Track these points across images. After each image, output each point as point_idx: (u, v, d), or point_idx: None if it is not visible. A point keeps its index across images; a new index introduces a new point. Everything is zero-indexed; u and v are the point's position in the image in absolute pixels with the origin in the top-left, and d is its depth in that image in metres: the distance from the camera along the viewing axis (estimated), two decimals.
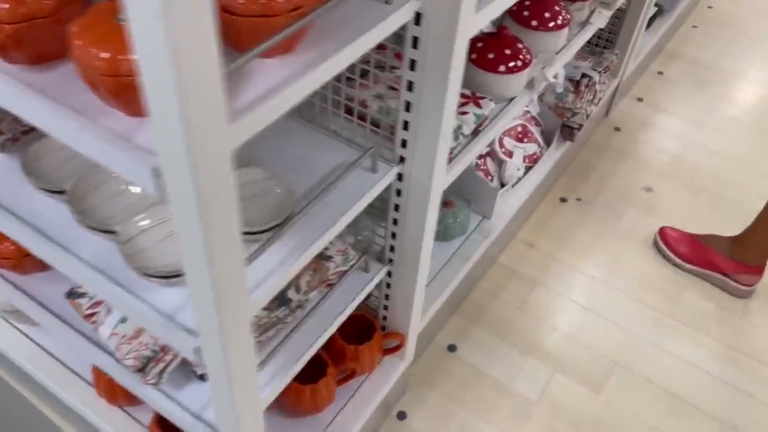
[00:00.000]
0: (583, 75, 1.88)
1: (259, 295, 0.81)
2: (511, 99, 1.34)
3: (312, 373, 1.22)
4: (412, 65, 0.91)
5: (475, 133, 1.24)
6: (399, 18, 0.79)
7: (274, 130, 1.07)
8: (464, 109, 1.22)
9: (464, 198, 1.66)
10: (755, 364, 1.63)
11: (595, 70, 1.91)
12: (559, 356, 1.62)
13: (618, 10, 2.06)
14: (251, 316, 0.78)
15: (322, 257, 1.07)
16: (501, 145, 1.65)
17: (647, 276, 1.82)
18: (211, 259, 0.62)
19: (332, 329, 1.10)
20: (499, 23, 1.47)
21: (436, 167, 1.01)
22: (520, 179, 1.71)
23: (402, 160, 1.02)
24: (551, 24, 1.40)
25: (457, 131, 1.18)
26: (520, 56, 1.30)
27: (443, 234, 1.59)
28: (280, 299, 1.02)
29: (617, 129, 2.31)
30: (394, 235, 1.15)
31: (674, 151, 2.24)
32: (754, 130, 2.35)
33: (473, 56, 1.30)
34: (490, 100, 1.25)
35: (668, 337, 1.68)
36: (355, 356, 1.27)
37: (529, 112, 1.80)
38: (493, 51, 1.29)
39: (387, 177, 1.00)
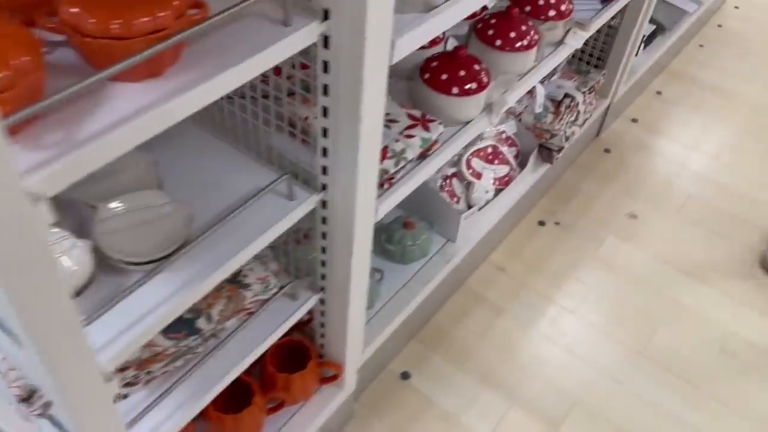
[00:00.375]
0: (566, 95, 1.80)
1: (122, 344, 0.74)
2: (467, 122, 1.27)
3: (241, 401, 1.17)
4: (325, 90, 0.84)
5: (423, 157, 1.17)
6: (296, 42, 0.73)
7: (199, 149, 1.02)
8: (411, 132, 1.16)
9: (427, 220, 1.60)
10: (726, 412, 1.54)
11: (579, 90, 1.83)
12: (517, 390, 1.55)
13: (609, 27, 1.98)
14: (107, 370, 0.72)
15: (240, 285, 1.01)
16: (468, 166, 1.58)
17: (621, 309, 1.74)
18: (29, 324, 0.56)
19: (250, 359, 1.05)
20: (465, 41, 1.40)
21: (359, 196, 0.94)
22: (489, 202, 1.63)
23: (324, 187, 0.96)
24: (517, 44, 1.33)
25: (400, 155, 1.12)
26: (477, 78, 1.23)
27: (401, 256, 1.53)
28: (190, 328, 0.97)
29: (607, 150, 2.22)
30: (324, 263, 1.09)
31: (665, 176, 2.14)
32: (755, 159, 2.24)
33: (426, 76, 1.23)
34: (440, 123, 1.19)
35: (637, 378, 1.59)
36: (286, 385, 1.21)
37: (504, 132, 1.73)
38: (447, 71, 1.22)
39: (305, 205, 0.94)
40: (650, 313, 1.73)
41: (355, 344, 1.25)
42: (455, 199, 1.60)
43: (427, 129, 1.17)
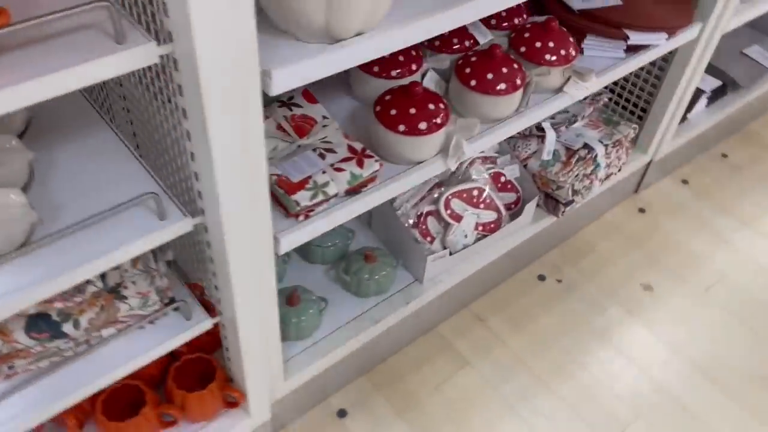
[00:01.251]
0: (585, 146, 1.65)
1: None
2: (419, 162, 1.18)
3: (136, 411, 1.15)
4: (185, 113, 0.80)
5: (353, 193, 1.10)
6: (125, 61, 0.69)
7: (100, 152, 1.00)
8: (343, 165, 1.09)
9: (393, 255, 1.51)
10: None
11: (601, 142, 1.67)
12: None
13: (654, 77, 1.79)
14: None
15: (118, 296, 0.99)
16: (447, 206, 1.48)
17: (598, 391, 1.57)
18: None
19: (124, 370, 1.02)
20: (447, 76, 1.31)
21: (236, 225, 0.89)
22: (466, 246, 1.52)
23: (202, 212, 0.92)
24: (496, 87, 1.22)
25: (320, 188, 1.05)
26: (430, 118, 1.14)
27: (356, 289, 1.46)
28: (55, 331, 0.96)
29: (641, 210, 2.02)
30: (217, 288, 1.05)
31: (700, 249, 1.92)
32: None
33: (377, 109, 1.16)
34: (377, 161, 1.11)
35: None
36: (182, 402, 1.18)
37: (504, 175, 1.60)
38: (397, 107, 1.14)
39: (175, 227, 0.90)
40: (632, 401, 1.55)
41: (260, 374, 1.19)
42: (429, 239, 1.50)
43: (360, 165, 1.09)
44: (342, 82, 1.32)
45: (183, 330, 1.07)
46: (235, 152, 0.82)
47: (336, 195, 1.08)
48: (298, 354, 1.36)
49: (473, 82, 1.22)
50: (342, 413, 1.48)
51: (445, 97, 1.30)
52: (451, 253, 1.50)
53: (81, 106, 1.08)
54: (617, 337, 1.67)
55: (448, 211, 1.49)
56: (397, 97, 1.15)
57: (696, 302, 1.77)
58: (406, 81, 1.25)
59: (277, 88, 0.82)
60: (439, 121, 1.15)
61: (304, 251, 1.53)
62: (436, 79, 1.31)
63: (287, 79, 0.83)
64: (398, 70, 1.24)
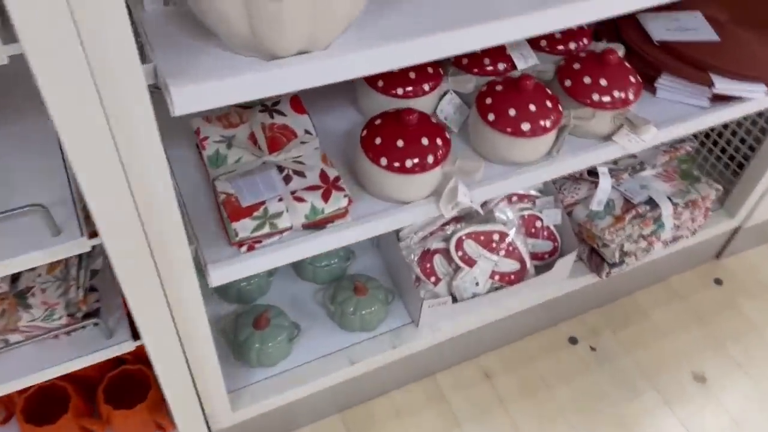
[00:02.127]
0: (648, 200, 1.37)
1: None
2: (406, 203, 0.99)
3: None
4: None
5: (313, 228, 0.93)
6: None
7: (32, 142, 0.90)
8: (305, 194, 0.92)
9: (390, 289, 1.33)
10: None
11: (671, 199, 1.39)
12: None
13: (759, 130, 1.47)
14: None
15: (23, 303, 0.89)
16: (459, 247, 1.27)
17: None
18: None
19: (25, 382, 0.92)
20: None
21: (113, 253, 0.76)
22: (476, 296, 1.31)
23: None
24: (519, 126, 1.00)
25: (269, 219, 0.89)
26: (420, 154, 0.94)
27: (339, 320, 1.30)
28: None
29: (718, 282, 1.70)
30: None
31: None
32: None
33: (363, 133, 0.97)
34: (345, 195, 0.93)
35: None
36: (107, 418, 1.08)
37: (540, 220, 1.37)
38: (384, 135, 0.95)
39: (66, 246, 0.77)
40: None
41: (188, 404, 1.07)
42: (433, 279, 1.30)
43: (326, 198, 0.92)
44: (353, 88, 1.14)
45: (99, 348, 0.95)
46: (109, 164, 0.67)
47: (289, 229, 0.91)
48: (257, 383, 1.23)
49: (491, 117, 1.01)
50: None
51: (463, 129, 1.10)
52: (455, 300, 1.30)
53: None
54: (640, 430, 1.41)
55: (460, 253, 1.28)
56: (388, 123, 0.96)
57: (756, 407, 1.46)
58: (417, 102, 1.05)
59: (179, 109, 0.67)
60: (430, 160, 0.95)
61: (296, 265, 1.38)
62: (457, 104, 1.10)
63: (193, 99, 0.67)
64: (407, 89, 1.04)
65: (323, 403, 1.35)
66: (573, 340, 1.55)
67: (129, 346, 0.97)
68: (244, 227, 0.88)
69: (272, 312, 1.24)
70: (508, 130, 1.00)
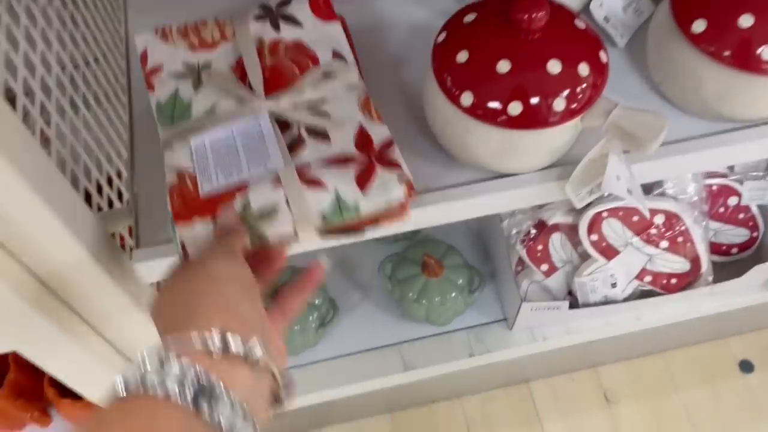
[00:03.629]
0: None
1: None
2: (508, 175, 0.54)
3: None
4: None
5: (336, 234, 0.51)
6: None
7: None
8: (322, 174, 0.48)
9: (478, 273, 0.90)
10: None
11: None
12: None
13: None
14: None
15: None
16: (594, 227, 0.80)
17: None
18: None
19: None
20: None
21: None
22: (608, 302, 0.85)
23: None
24: (757, 55, 0.49)
25: (247, 219, 0.48)
26: (555, 95, 0.47)
27: (399, 303, 0.89)
28: None
29: None
30: None
31: None
32: None
33: (439, 39, 0.51)
34: (403, 179, 0.48)
35: None
36: (54, 404, 0.79)
37: (738, 194, 0.85)
38: (473, 49, 0.48)
39: None
40: None
41: None
42: (544, 267, 0.85)
43: (364, 182, 0.48)
44: None
45: None
46: None
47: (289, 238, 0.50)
48: None
49: (699, 27, 0.50)
50: None
51: (636, 42, 0.60)
52: (575, 305, 0.85)
53: None
54: None
55: (594, 237, 0.81)
56: (487, 23, 0.49)
57: None
58: None
59: None
60: (560, 106, 0.48)
61: None
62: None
63: None
64: None
65: (366, 402, 0.99)
66: (746, 367, 1.06)
67: None
68: (196, 237, 0.48)
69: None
70: (735, 57, 0.49)
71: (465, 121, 0.50)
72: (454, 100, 0.49)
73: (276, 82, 0.54)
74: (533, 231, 0.84)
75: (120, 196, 0.56)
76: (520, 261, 0.87)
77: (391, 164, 0.49)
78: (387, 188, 0.48)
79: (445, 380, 0.96)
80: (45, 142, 0.43)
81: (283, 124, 0.52)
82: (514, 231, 0.84)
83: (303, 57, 0.55)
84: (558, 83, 0.48)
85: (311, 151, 0.50)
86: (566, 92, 0.48)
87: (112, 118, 0.56)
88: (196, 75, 0.55)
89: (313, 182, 0.48)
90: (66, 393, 0.77)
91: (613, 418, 1.01)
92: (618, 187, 0.50)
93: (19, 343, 0.48)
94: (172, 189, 0.49)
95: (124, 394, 0.31)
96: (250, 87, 0.53)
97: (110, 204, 0.54)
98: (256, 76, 0.54)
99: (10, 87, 0.41)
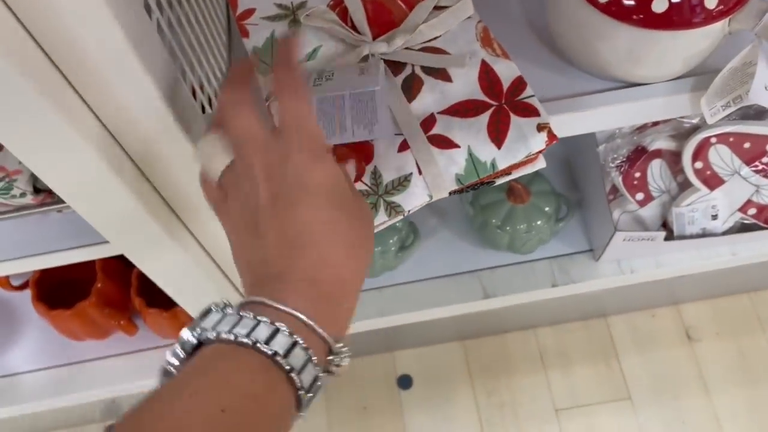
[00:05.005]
0: None
1: None
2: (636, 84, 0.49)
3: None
4: None
5: (465, 191, 0.47)
6: None
7: None
8: (451, 130, 0.44)
9: (566, 201, 0.86)
10: None
11: None
12: None
13: None
14: None
15: None
16: (700, 154, 0.75)
17: None
18: None
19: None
20: None
21: None
22: (706, 235, 0.81)
23: None
24: None
25: (377, 193, 0.45)
26: None
27: (480, 231, 0.87)
28: None
29: None
30: None
31: None
32: None
33: None
34: (543, 126, 0.44)
35: None
36: (140, 313, 0.80)
37: None
38: None
39: None
40: None
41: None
42: (639, 196, 0.81)
43: (500, 135, 0.44)
44: None
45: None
46: None
47: (405, 213, 0.46)
48: None
49: None
50: (405, 382, 1.01)
51: None
52: (670, 237, 0.81)
53: None
54: None
55: (699, 164, 0.76)
56: None
57: None
58: None
59: None
60: (711, 2, 0.42)
61: None
62: None
63: None
64: None
65: (438, 328, 0.99)
66: None
67: None
68: None
69: None
70: None
71: (597, 21, 0.45)
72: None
73: (381, 18, 0.48)
74: (631, 157, 0.79)
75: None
76: (613, 189, 0.82)
77: (526, 109, 0.45)
78: (525, 139, 0.44)
79: (521, 310, 0.94)
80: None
81: (395, 65, 0.47)
82: (610, 156, 0.79)
83: None
84: None
85: (432, 94, 0.46)
86: None
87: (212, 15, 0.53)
88: (292, 15, 0.50)
89: (442, 141, 0.44)
90: (152, 303, 0.79)
91: (695, 357, 0.98)
92: (766, 98, 0.45)
93: (130, 246, 0.47)
94: None
95: (213, 337, 0.31)
96: (353, 26, 0.49)
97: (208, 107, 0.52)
98: (358, 13, 0.48)
99: None
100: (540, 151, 0.44)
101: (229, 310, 0.31)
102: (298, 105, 0.34)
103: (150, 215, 0.45)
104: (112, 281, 0.80)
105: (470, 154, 0.44)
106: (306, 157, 0.33)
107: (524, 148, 0.44)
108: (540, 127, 0.44)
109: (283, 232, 0.33)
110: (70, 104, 0.37)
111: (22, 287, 0.83)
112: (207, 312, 0.32)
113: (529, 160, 0.45)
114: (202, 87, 0.49)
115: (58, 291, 0.81)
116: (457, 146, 0.44)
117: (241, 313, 0.31)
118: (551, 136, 0.44)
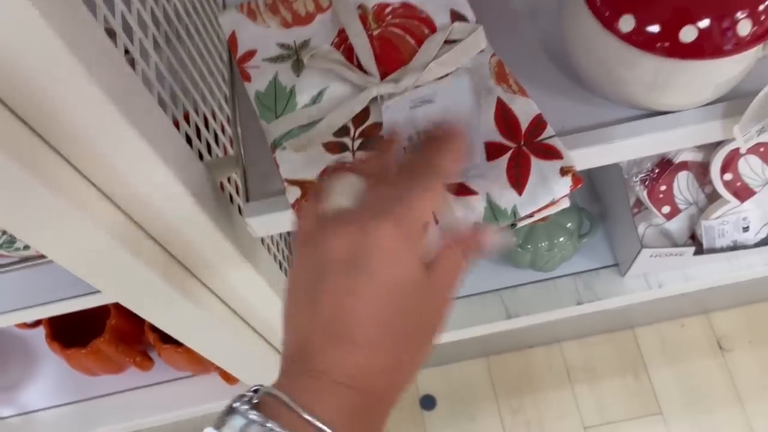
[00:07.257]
0: None
1: None
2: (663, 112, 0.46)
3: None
4: None
5: None
6: None
7: None
8: (470, 178, 0.42)
9: (589, 216, 0.83)
10: None
11: None
12: None
13: None
14: None
15: None
16: (730, 165, 0.71)
17: None
18: None
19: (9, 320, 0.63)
20: None
21: None
22: (737, 247, 0.77)
23: None
24: None
25: None
26: (730, 16, 0.39)
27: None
28: None
29: None
30: None
31: None
32: None
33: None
34: (567, 170, 0.41)
35: None
36: (155, 348, 0.79)
37: None
38: None
39: None
40: None
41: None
42: (666, 210, 0.78)
43: (520, 181, 0.41)
44: None
45: None
46: None
47: None
48: None
49: None
50: (429, 402, 0.99)
51: None
52: (699, 251, 0.78)
53: None
54: None
55: (729, 176, 0.72)
56: None
57: None
58: None
59: None
60: (745, 29, 0.39)
61: None
62: None
63: None
64: None
65: (462, 346, 0.96)
66: None
67: None
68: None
69: None
70: None
71: (620, 50, 0.42)
72: (610, 24, 0.41)
73: (389, 55, 0.45)
74: (656, 170, 0.76)
75: (214, 143, 0.51)
76: (637, 203, 0.79)
77: (548, 150, 0.42)
78: (547, 184, 0.41)
79: (546, 326, 0.91)
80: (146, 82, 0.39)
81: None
82: (634, 170, 0.76)
83: (415, 22, 0.47)
84: (739, 1, 0.39)
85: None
86: (750, 12, 0.39)
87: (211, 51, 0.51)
88: (295, 56, 0.47)
89: (459, 189, 0.41)
90: (167, 339, 0.77)
91: (728, 367, 0.94)
92: None
93: (124, 295, 0.45)
94: (297, 203, 0.43)
95: None
96: (359, 65, 0.46)
97: (206, 153, 0.50)
98: (364, 51, 0.45)
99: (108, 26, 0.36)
100: (564, 196, 0.41)
101: (253, 415, 0.28)
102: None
103: (166, 283, 0.43)
104: (126, 317, 0.79)
105: (489, 202, 0.41)
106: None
107: (547, 193, 0.41)
108: (563, 171, 0.41)
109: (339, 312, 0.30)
110: (84, 198, 0.35)
111: (35, 324, 0.82)
112: (231, 411, 0.29)
113: (554, 204, 0.42)
114: (199, 133, 0.47)
115: (72, 327, 0.80)
116: (474, 193, 0.41)
117: (269, 425, 0.28)
118: (576, 179, 0.41)
